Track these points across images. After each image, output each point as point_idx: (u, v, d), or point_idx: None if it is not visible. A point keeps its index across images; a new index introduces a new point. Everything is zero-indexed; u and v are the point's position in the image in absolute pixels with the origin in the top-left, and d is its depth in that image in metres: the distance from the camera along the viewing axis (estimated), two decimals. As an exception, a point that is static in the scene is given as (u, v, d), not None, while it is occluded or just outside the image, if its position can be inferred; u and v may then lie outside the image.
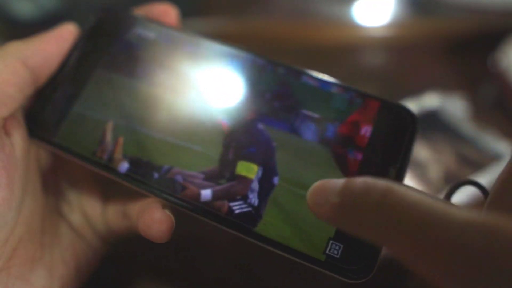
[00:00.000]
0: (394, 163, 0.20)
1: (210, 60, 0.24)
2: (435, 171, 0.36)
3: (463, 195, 0.34)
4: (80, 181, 0.26)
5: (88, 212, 0.25)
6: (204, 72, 0.24)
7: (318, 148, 0.22)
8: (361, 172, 0.20)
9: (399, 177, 0.20)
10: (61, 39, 0.23)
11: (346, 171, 0.21)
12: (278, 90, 0.23)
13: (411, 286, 0.29)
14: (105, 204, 0.25)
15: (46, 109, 0.24)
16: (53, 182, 0.25)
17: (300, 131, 0.22)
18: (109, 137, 0.23)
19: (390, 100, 0.22)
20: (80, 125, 0.23)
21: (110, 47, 0.25)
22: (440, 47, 0.52)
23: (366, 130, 0.21)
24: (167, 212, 0.21)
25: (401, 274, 0.30)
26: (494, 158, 0.37)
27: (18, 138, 0.22)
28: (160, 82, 0.24)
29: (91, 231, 0.25)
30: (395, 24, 0.53)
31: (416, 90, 0.44)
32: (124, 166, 0.22)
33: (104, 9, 0.26)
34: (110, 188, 0.26)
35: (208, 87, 0.24)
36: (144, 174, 0.22)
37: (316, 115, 0.22)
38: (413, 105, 0.41)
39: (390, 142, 0.21)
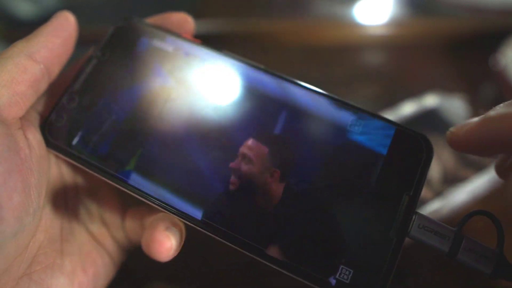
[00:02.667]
0: (408, 190, 0.20)
1: (231, 77, 0.24)
2: (435, 171, 0.36)
3: (464, 194, 0.34)
4: (99, 190, 0.26)
5: (107, 221, 0.25)
6: (224, 89, 0.24)
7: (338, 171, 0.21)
8: (372, 198, 0.20)
9: (412, 204, 0.20)
10: (61, 28, 0.23)
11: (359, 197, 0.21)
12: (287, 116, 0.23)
13: (411, 285, 0.29)
14: (124, 213, 0.25)
15: (62, 120, 0.24)
16: (73, 190, 0.25)
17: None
18: (125, 149, 0.23)
19: (407, 127, 0.21)
20: (96, 136, 0.23)
21: (128, 58, 0.25)
22: (440, 47, 0.52)
23: (379, 156, 0.21)
24: (168, 232, 0.21)
25: (401, 274, 0.30)
26: (494, 158, 0.37)
27: (34, 141, 0.22)
28: (179, 96, 0.24)
29: (111, 240, 0.25)
30: (395, 24, 0.53)
31: (416, 90, 0.44)
32: (135, 178, 0.22)
33: (124, 19, 0.26)
34: (129, 197, 0.26)
35: (228, 103, 0.24)
36: (154, 189, 0.22)
37: (332, 138, 0.22)
38: (413, 105, 0.41)
39: (405, 169, 0.21)
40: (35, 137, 0.22)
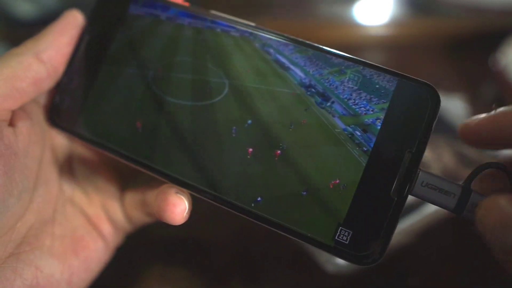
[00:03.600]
0: (411, 147, 0.19)
1: (231, 42, 0.23)
2: (435, 171, 0.36)
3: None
4: (97, 172, 0.26)
5: (105, 202, 0.25)
6: (214, 51, 0.23)
7: (337, 133, 0.21)
8: (373, 155, 0.19)
9: (415, 163, 0.19)
10: (69, 27, 0.24)
11: (361, 154, 0.20)
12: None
13: (411, 284, 0.30)
14: (124, 193, 0.26)
15: (65, 99, 0.24)
16: (69, 173, 0.25)
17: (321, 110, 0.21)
18: (129, 123, 0.23)
19: (410, 76, 0.20)
20: (99, 112, 0.24)
21: (118, 29, 0.25)
22: (440, 47, 0.52)
23: (381, 109, 0.20)
24: (180, 195, 0.21)
25: (401, 273, 0.30)
26: (494, 158, 0.37)
27: (23, 129, 0.22)
28: (172, 62, 0.24)
29: (108, 223, 0.25)
30: (395, 24, 0.53)
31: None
32: (138, 151, 0.23)
33: None
34: (129, 177, 0.26)
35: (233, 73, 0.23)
36: (163, 162, 0.22)
37: (347, 100, 0.21)
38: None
39: (407, 123, 0.19)
40: (25, 124, 0.22)
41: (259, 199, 0.21)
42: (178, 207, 0.21)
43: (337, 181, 0.20)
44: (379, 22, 0.54)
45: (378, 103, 0.20)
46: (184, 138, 0.22)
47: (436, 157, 0.37)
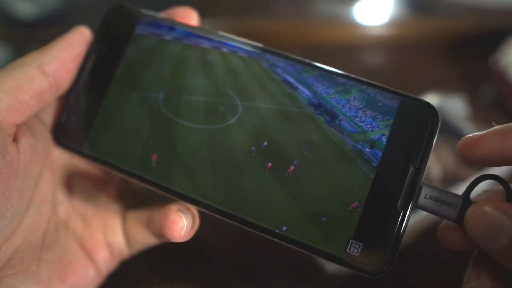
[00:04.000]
0: (414, 162, 0.20)
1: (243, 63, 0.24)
2: (435, 171, 0.36)
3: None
4: (99, 193, 0.26)
5: (106, 224, 0.25)
6: (223, 71, 0.24)
7: (347, 150, 0.22)
8: (380, 170, 0.21)
9: (418, 177, 0.20)
10: (75, 43, 0.24)
11: (369, 169, 0.21)
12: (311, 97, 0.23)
13: (411, 284, 0.30)
14: (127, 214, 0.25)
15: (71, 119, 0.24)
16: (66, 196, 0.25)
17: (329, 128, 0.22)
18: (142, 146, 0.23)
19: (411, 95, 0.21)
20: (107, 132, 0.24)
21: (124, 48, 0.25)
22: (440, 47, 0.52)
23: (386, 125, 0.21)
24: (180, 213, 0.21)
25: (401, 273, 0.30)
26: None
27: (26, 146, 0.22)
28: (182, 81, 0.24)
29: (103, 247, 0.25)
30: (396, 24, 0.53)
31: (416, 90, 0.44)
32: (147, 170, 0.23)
33: (115, 6, 0.25)
34: (132, 198, 0.27)
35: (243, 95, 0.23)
36: (181, 184, 0.22)
37: (354, 118, 0.22)
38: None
39: (411, 140, 0.21)
40: (28, 142, 0.22)
41: (284, 228, 0.21)
42: (177, 225, 0.21)
43: (355, 204, 0.21)
44: (379, 22, 0.54)
45: (383, 120, 0.21)
46: (201, 161, 0.22)
47: (436, 157, 0.37)
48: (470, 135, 0.21)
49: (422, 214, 0.32)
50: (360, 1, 0.58)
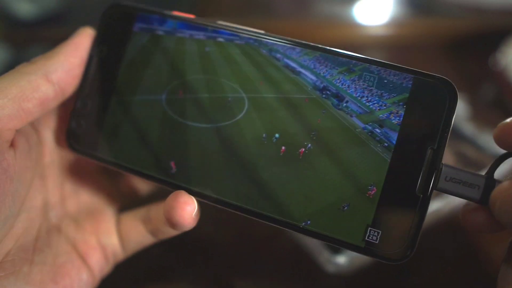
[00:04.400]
0: (432, 143, 0.19)
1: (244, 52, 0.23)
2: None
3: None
4: (94, 197, 0.26)
5: (99, 226, 0.25)
6: (226, 63, 0.23)
7: (359, 133, 0.21)
8: (396, 153, 0.20)
9: (437, 158, 0.19)
10: (81, 47, 0.24)
11: (385, 152, 0.20)
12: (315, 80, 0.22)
13: (411, 284, 0.29)
14: (122, 214, 0.26)
15: (81, 124, 0.24)
16: (58, 201, 0.25)
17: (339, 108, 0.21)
18: (155, 147, 0.23)
19: (426, 72, 0.20)
20: (118, 135, 0.24)
21: (125, 48, 0.24)
22: (440, 47, 0.52)
23: (393, 103, 0.20)
24: (192, 197, 0.21)
25: (401, 273, 0.30)
26: (494, 158, 0.37)
27: (22, 153, 0.22)
28: (185, 78, 0.24)
29: (96, 250, 0.25)
30: (396, 24, 0.53)
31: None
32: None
33: (111, 6, 0.25)
34: (128, 198, 0.27)
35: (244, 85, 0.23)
36: (199, 184, 0.22)
37: (361, 98, 0.21)
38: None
39: (427, 120, 0.19)
40: (23, 148, 0.22)
41: (308, 222, 0.21)
42: (189, 205, 0.21)
43: (374, 190, 0.20)
44: (379, 22, 0.54)
45: (389, 98, 0.20)
46: (217, 159, 0.22)
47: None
48: (507, 120, 0.19)
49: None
50: (360, 1, 0.58)
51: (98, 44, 0.24)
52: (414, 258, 0.31)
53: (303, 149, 0.21)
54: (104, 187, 0.27)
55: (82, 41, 0.24)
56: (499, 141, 0.19)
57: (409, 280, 0.30)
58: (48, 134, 0.25)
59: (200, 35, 0.24)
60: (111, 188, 0.27)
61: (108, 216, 0.26)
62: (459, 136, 0.39)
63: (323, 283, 0.29)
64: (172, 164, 0.23)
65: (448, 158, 0.37)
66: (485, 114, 0.43)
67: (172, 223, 0.21)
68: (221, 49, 0.23)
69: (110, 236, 0.25)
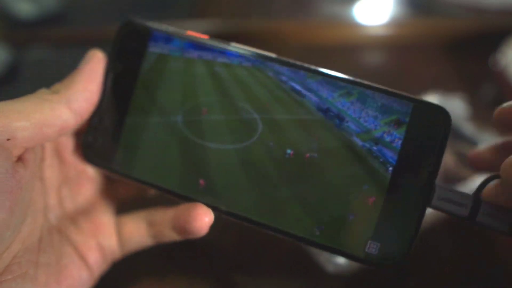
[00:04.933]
0: (428, 165, 0.21)
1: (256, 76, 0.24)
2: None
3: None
4: (88, 202, 0.27)
5: (97, 228, 0.26)
6: (237, 84, 0.24)
7: (359, 151, 0.23)
8: (395, 173, 0.22)
9: (432, 179, 0.21)
10: (96, 73, 0.25)
11: (384, 172, 0.22)
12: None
13: (411, 284, 0.30)
14: (122, 217, 0.27)
15: (97, 138, 0.25)
16: (57, 203, 0.26)
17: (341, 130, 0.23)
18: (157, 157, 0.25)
19: (424, 99, 0.22)
20: (133, 147, 0.25)
21: (140, 66, 0.25)
22: (440, 47, 0.52)
23: (400, 132, 0.22)
24: (210, 210, 0.23)
25: (401, 273, 0.30)
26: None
27: (30, 163, 0.22)
28: (200, 97, 0.25)
29: (95, 250, 0.26)
30: (396, 24, 0.53)
31: (416, 90, 0.44)
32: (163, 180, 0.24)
33: (126, 23, 0.25)
34: (126, 202, 0.28)
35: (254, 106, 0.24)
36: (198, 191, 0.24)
37: (359, 119, 0.23)
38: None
39: (424, 143, 0.22)
40: (31, 158, 0.22)
41: (322, 227, 0.23)
42: (206, 216, 0.23)
43: (374, 198, 0.22)
44: (379, 22, 0.54)
45: (383, 119, 0.22)
46: (238, 179, 0.24)
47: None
48: (506, 103, 0.22)
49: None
50: (360, 1, 0.58)
51: (112, 61, 0.25)
52: (413, 258, 0.31)
53: (312, 163, 0.23)
54: (101, 189, 0.27)
55: (96, 66, 0.25)
56: (498, 121, 0.22)
57: (408, 280, 0.30)
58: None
59: (208, 56, 0.25)
60: (108, 190, 0.28)
61: (106, 218, 0.26)
62: (459, 136, 0.39)
63: (323, 283, 0.29)
64: (201, 181, 0.24)
65: (448, 158, 0.37)
66: (485, 114, 0.42)
67: (186, 231, 0.23)
68: (231, 70, 0.25)
69: (109, 237, 0.26)
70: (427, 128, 0.22)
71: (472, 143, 0.38)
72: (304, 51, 0.50)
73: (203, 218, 0.23)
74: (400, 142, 0.22)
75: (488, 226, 0.21)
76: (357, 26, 0.54)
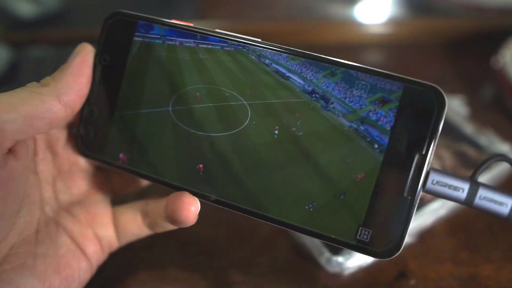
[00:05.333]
0: (421, 149, 0.20)
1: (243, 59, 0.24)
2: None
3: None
4: (82, 193, 0.27)
5: (94, 219, 0.26)
6: (224, 70, 0.24)
7: (346, 131, 0.22)
8: (387, 157, 0.21)
9: (425, 163, 0.20)
10: (86, 65, 0.25)
11: (375, 155, 0.21)
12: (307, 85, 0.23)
13: (411, 284, 0.30)
14: (118, 208, 0.27)
15: (90, 131, 0.25)
16: (53, 196, 0.26)
17: (332, 112, 0.23)
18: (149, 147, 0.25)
19: (416, 80, 0.21)
20: (124, 137, 0.25)
21: (127, 57, 0.25)
22: (440, 46, 0.52)
23: (392, 113, 0.21)
24: (195, 197, 0.23)
25: (401, 273, 0.30)
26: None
27: (21, 154, 0.23)
28: (187, 85, 0.25)
29: (93, 241, 0.26)
30: (396, 24, 0.53)
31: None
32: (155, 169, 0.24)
33: (112, 14, 0.26)
34: (121, 193, 0.28)
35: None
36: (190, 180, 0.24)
37: (344, 99, 0.23)
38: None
39: (416, 126, 0.21)
40: (22, 150, 0.23)
41: (313, 206, 0.22)
42: (192, 205, 0.23)
43: (362, 175, 0.21)
44: (379, 22, 0.54)
45: (367, 97, 0.22)
46: (230, 166, 0.24)
47: (436, 157, 0.37)
48: None
49: (421, 214, 0.32)
50: (361, 1, 0.58)
51: (100, 53, 0.25)
52: (413, 258, 0.31)
53: (301, 144, 0.23)
54: (95, 181, 0.28)
55: (86, 59, 0.25)
56: None
57: (408, 280, 0.30)
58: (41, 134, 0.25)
59: (196, 43, 0.25)
60: (102, 181, 0.28)
61: (102, 209, 0.27)
62: (459, 136, 0.39)
63: (323, 283, 0.29)
64: (201, 166, 0.24)
65: (448, 158, 0.37)
66: (485, 114, 0.43)
67: (175, 220, 0.23)
68: (216, 56, 0.24)
69: (105, 228, 0.26)
70: (420, 108, 0.20)
71: (472, 143, 0.38)
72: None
73: (189, 207, 0.23)
74: (386, 120, 0.21)
75: (486, 210, 0.20)
76: (357, 25, 0.54)
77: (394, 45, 0.52)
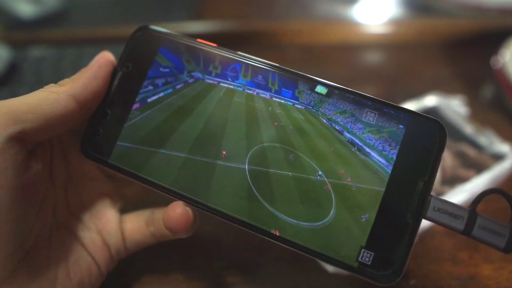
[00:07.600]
0: (423, 176, 0.21)
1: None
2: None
3: (463, 194, 0.34)
4: (93, 201, 0.27)
5: (102, 228, 0.27)
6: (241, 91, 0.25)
7: (354, 159, 0.23)
8: (391, 183, 0.22)
9: (427, 190, 0.21)
10: (104, 69, 0.25)
11: (380, 182, 0.22)
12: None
13: (411, 284, 0.30)
14: (125, 216, 0.27)
15: (99, 133, 0.26)
16: (64, 201, 0.26)
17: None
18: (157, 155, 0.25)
19: (420, 113, 0.22)
20: (131, 146, 0.25)
21: (149, 68, 0.26)
22: (440, 46, 0.52)
23: (396, 143, 0.22)
24: (188, 208, 0.23)
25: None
26: (493, 158, 0.37)
27: (40, 158, 0.23)
28: (204, 101, 0.25)
29: (102, 248, 0.26)
30: (396, 24, 0.53)
31: (416, 90, 0.44)
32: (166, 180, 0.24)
33: (140, 28, 0.26)
34: (129, 202, 0.28)
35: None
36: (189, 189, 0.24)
37: (349, 128, 0.24)
38: (413, 104, 0.41)
39: (419, 155, 0.22)
40: (41, 152, 0.23)
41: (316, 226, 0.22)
42: (185, 217, 0.23)
43: (349, 179, 0.22)
44: (379, 22, 0.54)
45: (378, 133, 0.23)
46: (248, 181, 0.24)
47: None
48: None
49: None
50: (361, 1, 0.58)
51: (124, 61, 0.26)
52: (413, 258, 0.31)
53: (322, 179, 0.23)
54: (105, 189, 0.28)
55: (105, 64, 0.25)
56: None
57: (408, 280, 0.30)
58: (56, 139, 0.26)
59: (228, 84, 0.25)
60: (112, 190, 0.28)
61: (110, 217, 0.27)
62: (459, 136, 0.39)
63: (323, 283, 0.29)
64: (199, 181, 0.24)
65: (448, 158, 0.37)
66: (485, 114, 0.43)
67: (171, 231, 0.24)
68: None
69: (113, 236, 0.27)
70: (423, 140, 0.22)
71: (472, 143, 0.38)
72: (304, 51, 0.50)
73: (181, 218, 0.23)
74: (391, 149, 0.22)
75: (483, 241, 0.20)
76: (357, 25, 0.54)
77: (394, 45, 0.52)
